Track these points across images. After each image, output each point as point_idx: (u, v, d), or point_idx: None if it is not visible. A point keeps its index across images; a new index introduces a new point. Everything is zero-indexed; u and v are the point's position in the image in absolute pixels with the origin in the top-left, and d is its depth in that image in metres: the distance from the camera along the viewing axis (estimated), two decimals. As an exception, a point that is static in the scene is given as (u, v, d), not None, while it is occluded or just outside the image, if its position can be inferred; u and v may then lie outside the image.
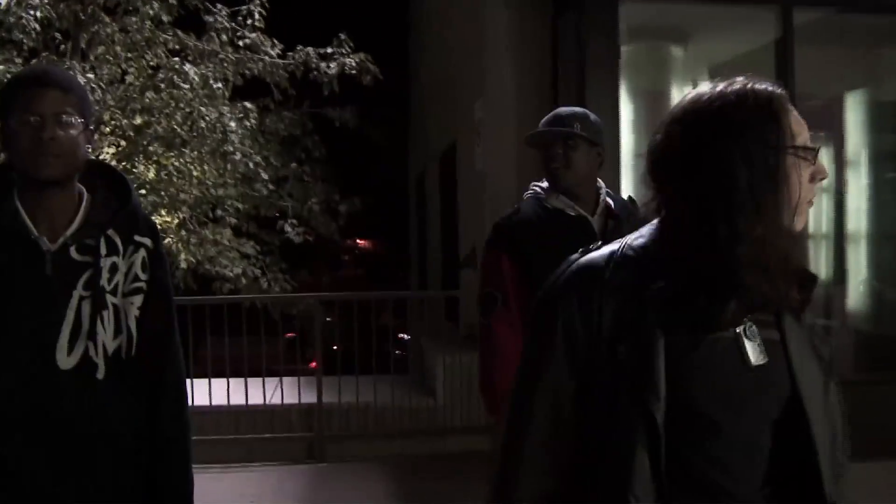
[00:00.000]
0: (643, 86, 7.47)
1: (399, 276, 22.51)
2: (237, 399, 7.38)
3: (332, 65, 10.45)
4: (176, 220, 11.55)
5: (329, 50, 10.61)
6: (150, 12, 9.90)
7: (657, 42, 7.54)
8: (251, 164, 10.37)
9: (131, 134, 10.16)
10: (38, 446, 2.10)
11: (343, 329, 8.28)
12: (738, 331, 1.53)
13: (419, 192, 13.81)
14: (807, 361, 1.60)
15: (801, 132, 1.54)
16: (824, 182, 1.57)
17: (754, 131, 1.48)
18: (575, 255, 1.63)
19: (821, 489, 1.55)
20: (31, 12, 8.54)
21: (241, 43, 10.38)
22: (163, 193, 10.30)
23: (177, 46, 10.55)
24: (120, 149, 10.62)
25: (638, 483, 1.46)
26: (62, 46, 10.15)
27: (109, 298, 2.19)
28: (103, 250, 2.20)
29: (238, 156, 10.03)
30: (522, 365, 1.63)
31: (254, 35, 10.28)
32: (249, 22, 10.38)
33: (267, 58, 10.36)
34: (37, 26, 8.64)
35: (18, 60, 9.31)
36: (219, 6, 10.45)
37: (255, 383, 7.51)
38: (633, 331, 1.49)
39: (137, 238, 2.27)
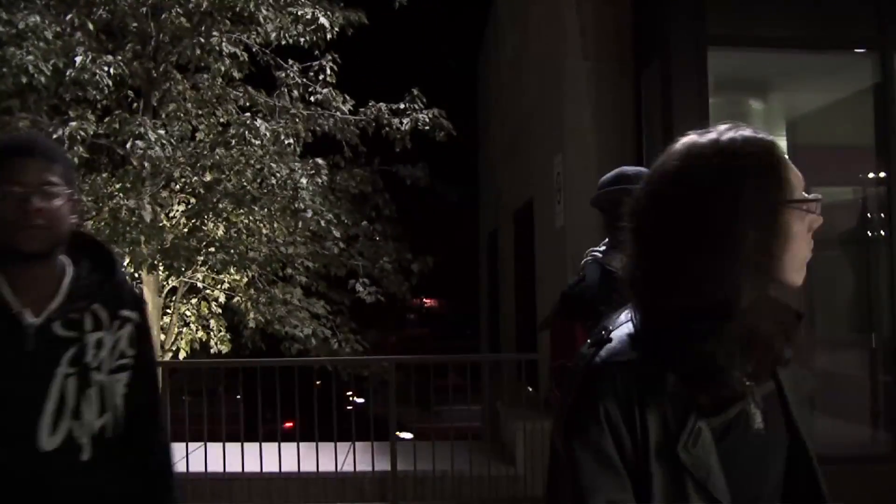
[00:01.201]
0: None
1: (467, 336, 22.19)
2: (307, 465, 7.09)
3: (405, 121, 10.31)
4: (245, 279, 11.43)
5: (402, 106, 10.47)
6: (222, 69, 9.88)
7: (745, 91, 7.21)
8: (322, 222, 10.19)
9: (201, 191, 10.09)
10: None
11: (418, 392, 7.98)
12: (747, 401, 1.45)
13: (491, 250, 13.52)
14: (798, 405, 1.57)
15: (799, 183, 1.44)
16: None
17: (756, 185, 1.39)
18: (593, 347, 1.50)
19: None
20: (106, 68, 8.53)
21: (312, 98, 10.30)
22: (232, 251, 10.17)
23: (247, 103, 10.52)
24: (189, 206, 10.56)
25: None
26: (134, 104, 10.17)
27: (95, 376, 2.10)
28: (88, 325, 2.12)
29: (309, 213, 9.87)
30: (574, 486, 1.44)
31: (325, 91, 10.18)
32: (321, 77, 10.29)
33: (338, 114, 10.24)
34: (110, 83, 8.63)
35: (91, 117, 9.31)
36: (290, 62, 10.39)
37: (325, 449, 7.22)
38: (686, 433, 1.41)
39: (124, 313, 2.19)
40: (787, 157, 1.45)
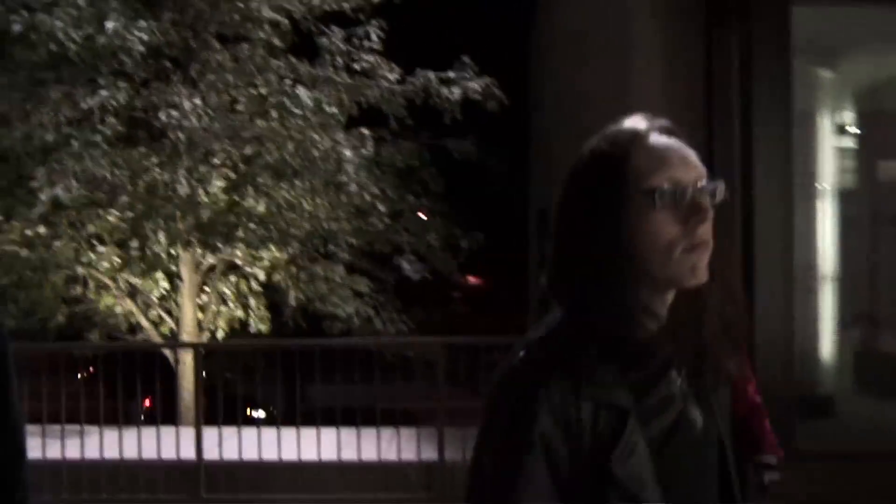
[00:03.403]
0: (816, 107, 6.54)
1: (515, 315, 21.69)
2: (349, 453, 6.65)
3: (455, 90, 9.77)
4: (285, 256, 11.01)
5: (451, 74, 9.94)
6: (263, 36, 9.43)
7: (832, 54, 6.60)
8: (367, 197, 9.70)
9: (240, 165, 9.68)
10: None
11: (468, 375, 7.52)
12: (681, 396, 1.44)
13: (541, 227, 12.97)
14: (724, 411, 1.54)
15: (659, 170, 1.37)
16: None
17: (596, 184, 1.40)
18: (525, 343, 1.47)
19: None
20: (139, 34, 8.12)
21: (356, 66, 9.80)
22: (272, 227, 9.75)
23: (290, 75, 10.05)
24: (229, 182, 10.15)
25: None
26: (171, 76, 9.75)
27: None
28: None
29: (353, 187, 9.40)
30: (498, 482, 1.38)
31: (370, 58, 9.68)
32: (366, 45, 9.79)
33: (384, 83, 9.74)
34: (143, 49, 8.21)
35: (123, 86, 8.90)
36: (333, 28, 9.91)
37: (368, 435, 6.78)
38: (612, 428, 1.34)
39: None
40: (652, 142, 1.40)
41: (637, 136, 1.41)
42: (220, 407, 6.90)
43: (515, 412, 1.39)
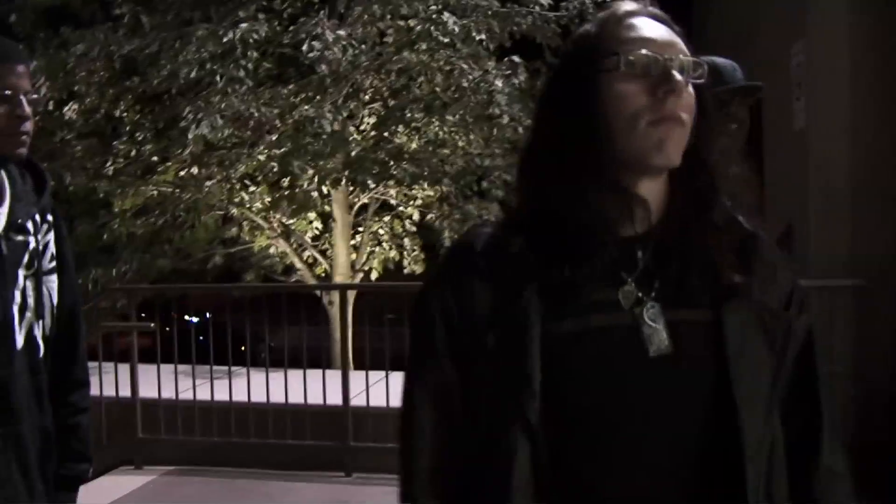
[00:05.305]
0: None
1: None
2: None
3: (614, 13, 9.12)
4: (437, 194, 10.67)
5: (608, -1, 9.29)
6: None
7: None
8: (521, 130, 9.19)
9: (389, 100, 9.35)
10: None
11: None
12: (635, 312, 1.32)
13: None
14: (750, 348, 1.33)
15: (630, 40, 1.32)
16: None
17: (569, 59, 1.39)
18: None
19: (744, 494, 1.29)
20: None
21: (507, -8, 9.26)
22: (423, 164, 9.40)
23: (437, 3, 9.59)
24: (377, 117, 9.85)
25: (518, 495, 1.28)
26: (318, 10, 9.46)
27: (43, 277, 2.17)
28: (31, 229, 2.15)
29: (505, 119, 8.90)
30: (407, 364, 1.45)
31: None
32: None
33: (537, 8, 9.16)
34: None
35: (262, 18, 8.68)
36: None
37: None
38: (505, 316, 1.31)
39: (48, 217, 2.23)
40: (634, 19, 1.34)
41: (617, 13, 1.37)
42: (367, 351, 6.66)
43: (424, 289, 1.44)
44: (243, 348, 6.59)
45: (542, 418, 1.28)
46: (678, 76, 1.29)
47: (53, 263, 2.21)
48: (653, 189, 1.35)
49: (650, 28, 1.34)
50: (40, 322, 2.14)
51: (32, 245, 2.14)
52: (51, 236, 2.20)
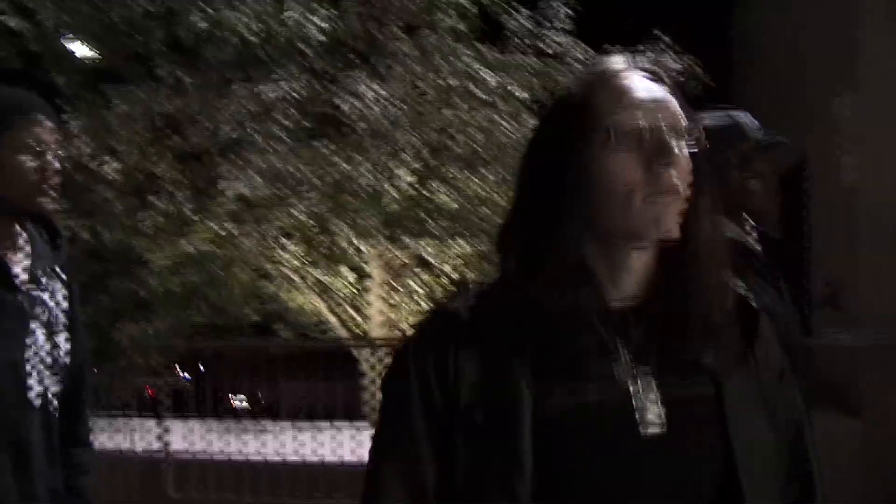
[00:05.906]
0: None
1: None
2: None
3: (654, 70, 9.08)
4: (477, 252, 10.60)
5: (649, 55, 9.25)
6: (449, 23, 9.06)
7: None
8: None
9: (427, 157, 9.34)
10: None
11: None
12: (630, 387, 1.24)
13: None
14: (750, 422, 1.28)
15: (622, 108, 1.24)
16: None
17: (556, 123, 1.30)
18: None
19: None
20: (318, 22, 7.93)
21: (546, 49, 9.26)
22: (462, 221, 9.36)
23: (476, 62, 9.63)
24: (416, 175, 9.83)
25: None
26: (355, 68, 9.53)
27: (56, 333, 2.18)
28: (47, 284, 2.18)
29: (546, 178, 8.84)
30: (375, 439, 1.34)
31: (561, 39, 9.12)
32: (556, 24, 9.25)
33: (577, 65, 9.16)
34: (322, 37, 8.02)
35: (302, 75, 8.74)
36: (521, 10, 9.40)
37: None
38: (495, 391, 1.24)
39: (61, 272, 2.25)
40: (624, 81, 1.26)
41: (605, 74, 1.30)
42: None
43: (400, 358, 1.34)
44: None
45: (532, 497, 1.22)
46: (673, 145, 1.23)
47: (66, 322, 2.23)
48: (643, 258, 1.29)
49: (641, 88, 1.27)
50: (53, 379, 2.15)
51: (49, 300, 2.17)
52: (64, 294, 2.23)
